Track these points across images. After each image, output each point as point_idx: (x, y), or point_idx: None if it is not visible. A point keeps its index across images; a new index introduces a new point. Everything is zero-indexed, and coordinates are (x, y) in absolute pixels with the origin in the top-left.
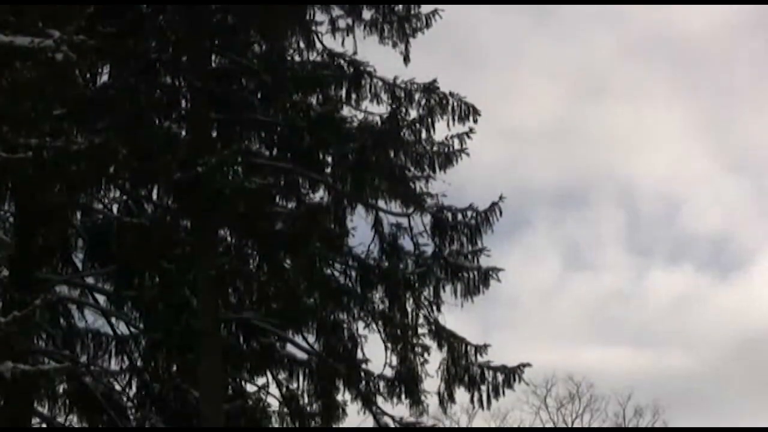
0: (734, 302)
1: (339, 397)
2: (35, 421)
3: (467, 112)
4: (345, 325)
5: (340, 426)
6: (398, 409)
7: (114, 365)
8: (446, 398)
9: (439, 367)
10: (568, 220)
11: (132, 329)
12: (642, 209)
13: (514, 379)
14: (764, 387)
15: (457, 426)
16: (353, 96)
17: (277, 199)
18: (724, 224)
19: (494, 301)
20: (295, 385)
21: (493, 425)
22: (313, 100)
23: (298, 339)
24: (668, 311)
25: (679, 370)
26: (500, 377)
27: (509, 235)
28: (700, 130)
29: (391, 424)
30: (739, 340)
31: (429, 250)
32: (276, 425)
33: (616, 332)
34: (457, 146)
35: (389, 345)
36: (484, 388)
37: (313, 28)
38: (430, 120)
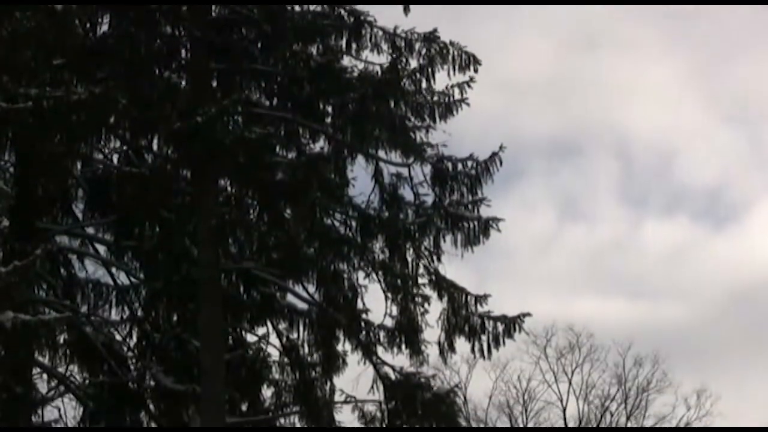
0: (729, 253)
1: (339, 347)
2: (36, 371)
3: (467, 61)
4: (345, 275)
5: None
6: (398, 359)
7: (114, 315)
8: (446, 348)
9: (440, 317)
10: (562, 171)
11: (132, 279)
12: (637, 160)
13: (515, 329)
14: (760, 336)
15: (457, 376)
16: (353, 46)
17: (278, 149)
18: (720, 175)
19: (489, 252)
20: (295, 335)
21: (493, 375)
22: (314, 50)
23: (299, 289)
24: (664, 262)
25: (676, 321)
26: (500, 327)
27: (504, 186)
28: (696, 80)
29: (392, 374)
30: (735, 290)
31: (429, 200)
32: (276, 375)
33: (613, 283)
34: (457, 96)
35: (389, 295)
36: (484, 338)
37: None
38: (430, 69)
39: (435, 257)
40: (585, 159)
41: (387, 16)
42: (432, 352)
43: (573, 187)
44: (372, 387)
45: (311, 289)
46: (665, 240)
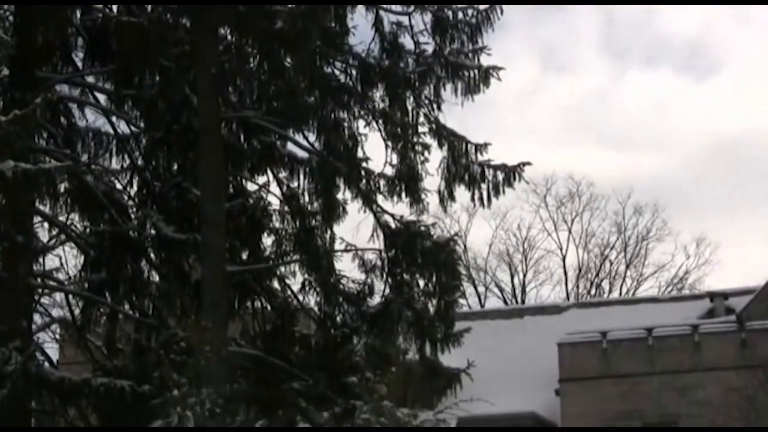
0: (712, 104)
1: (339, 196)
2: (37, 219)
3: None
4: (345, 124)
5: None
6: (398, 208)
7: (115, 164)
8: (446, 197)
9: (440, 166)
10: (544, 23)
11: (132, 128)
12: (618, 11)
13: (515, 178)
14: (743, 184)
15: (457, 225)
16: None
17: None
18: (700, 28)
19: (472, 104)
20: (295, 184)
21: (492, 224)
22: None
23: (299, 137)
24: (647, 113)
25: (661, 171)
26: (500, 176)
27: (484, 38)
28: None
29: (392, 223)
30: (718, 140)
31: (429, 48)
32: (277, 224)
33: (596, 134)
34: None
35: (389, 143)
36: (484, 186)
37: None
38: None
39: (435, 106)
40: (566, 10)
41: None
42: (432, 200)
43: (555, 39)
44: (372, 235)
45: (311, 137)
46: (649, 92)
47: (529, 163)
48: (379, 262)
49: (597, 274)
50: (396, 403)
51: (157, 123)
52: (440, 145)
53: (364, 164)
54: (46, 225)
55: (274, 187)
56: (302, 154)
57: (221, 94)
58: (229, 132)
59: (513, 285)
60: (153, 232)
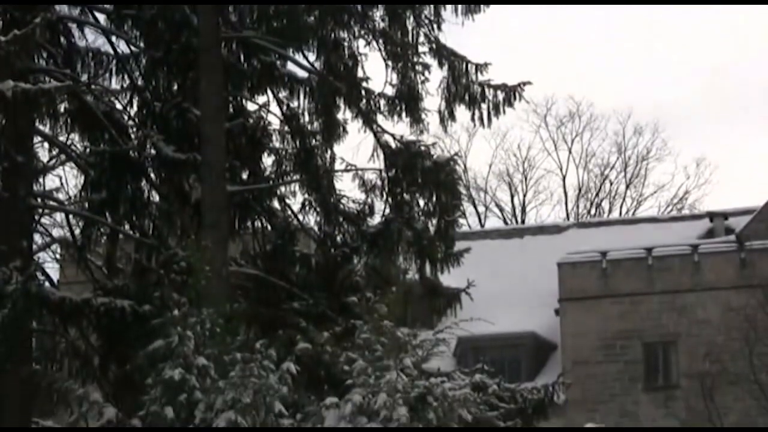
0: (712, 23)
1: (339, 116)
2: (37, 139)
3: None
4: (345, 43)
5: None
6: (399, 128)
7: (115, 84)
8: (447, 116)
9: (440, 86)
10: None
11: (132, 48)
12: None
13: (515, 98)
14: (743, 104)
15: (457, 145)
16: None
17: None
18: None
19: (473, 23)
20: (295, 104)
21: (492, 144)
22: None
23: (299, 57)
24: (648, 32)
25: (661, 91)
26: (501, 95)
27: None
28: None
29: (392, 143)
30: (718, 60)
31: None
32: (277, 144)
33: (597, 54)
34: None
35: (389, 63)
36: (484, 106)
37: None
38: None
39: (435, 25)
40: None
41: None
42: (432, 120)
43: None
44: (372, 155)
45: (311, 57)
46: (639, 15)
47: (529, 83)
48: (379, 182)
49: (597, 194)
50: (396, 322)
51: (157, 43)
52: (440, 65)
53: (364, 84)
54: (46, 145)
55: (274, 107)
56: (302, 73)
57: (221, 14)
58: (229, 52)
59: (513, 205)
60: (153, 152)
